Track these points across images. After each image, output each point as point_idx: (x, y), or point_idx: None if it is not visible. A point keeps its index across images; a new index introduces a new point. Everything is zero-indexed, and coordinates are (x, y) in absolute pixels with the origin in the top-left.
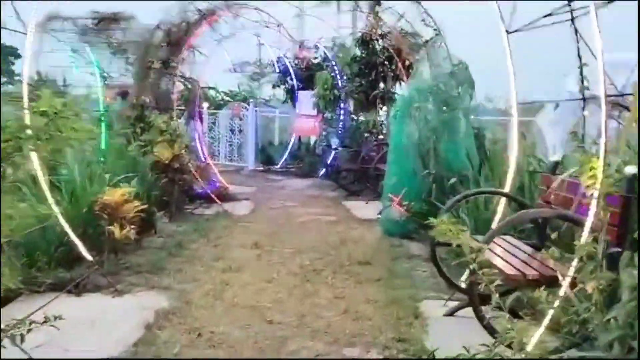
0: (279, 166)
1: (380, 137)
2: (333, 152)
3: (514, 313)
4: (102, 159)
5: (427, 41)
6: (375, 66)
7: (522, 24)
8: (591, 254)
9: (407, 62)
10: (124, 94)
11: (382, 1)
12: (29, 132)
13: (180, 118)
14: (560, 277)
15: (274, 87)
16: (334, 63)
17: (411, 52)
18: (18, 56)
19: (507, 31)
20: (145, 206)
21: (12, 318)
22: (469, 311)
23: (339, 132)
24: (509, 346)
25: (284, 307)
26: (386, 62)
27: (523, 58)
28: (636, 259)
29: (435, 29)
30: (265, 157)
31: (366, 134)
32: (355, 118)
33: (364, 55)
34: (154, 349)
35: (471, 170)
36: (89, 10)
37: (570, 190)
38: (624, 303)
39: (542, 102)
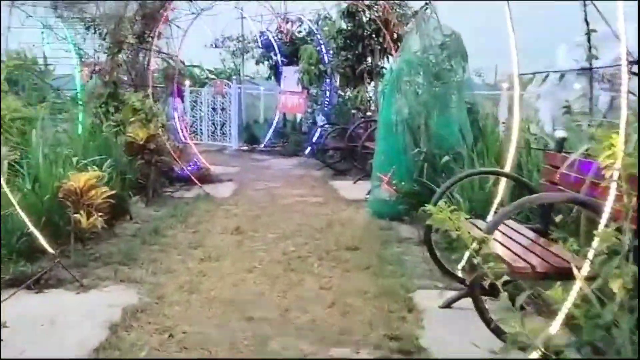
0: (263, 145)
1: (368, 113)
2: (319, 130)
3: (514, 303)
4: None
5: (416, 12)
6: (362, 39)
7: None
8: (614, 245)
9: (395, 35)
10: (99, 72)
11: None
12: None
13: (159, 97)
14: (575, 271)
15: (257, 63)
16: (319, 37)
17: (400, 23)
18: None
19: None
20: (113, 192)
21: None
22: (468, 302)
23: (325, 108)
24: (521, 348)
25: (266, 300)
26: (373, 35)
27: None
28: None
29: None
30: (250, 135)
31: (353, 111)
32: (342, 94)
33: (349, 27)
34: (117, 354)
35: (465, 148)
36: None
37: (580, 170)
38: None
39: (545, 72)
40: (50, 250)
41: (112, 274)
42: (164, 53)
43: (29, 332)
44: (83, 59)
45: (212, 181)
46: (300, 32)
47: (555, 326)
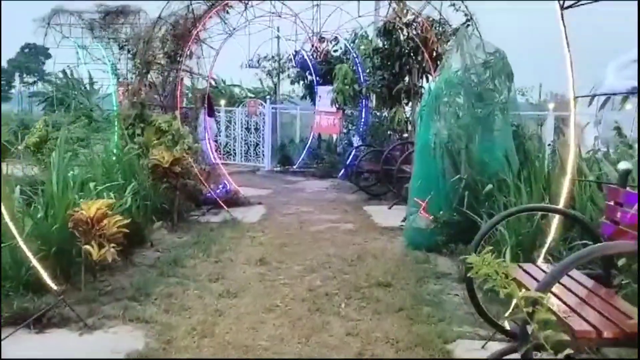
0: (296, 166)
1: (405, 135)
2: (354, 151)
3: None
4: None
5: (457, 29)
6: (399, 58)
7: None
8: None
9: (434, 53)
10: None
11: None
12: None
13: (189, 117)
14: None
15: (292, 82)
16: (354, 55)
17: (439, 41)
18: (48, 56)
19: (561, 6)
20: (128, 220)
21: None
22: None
23: (360, 129)
24: None
25: (285, 347)
26: (411, 53)
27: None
28: None
29: (466, 14)
30: (283, 156)
31: (389, 132)
32: (378, 114)
33: (386, 46)
34: None
35: (510, 175)
36: (93, 4)
37: None
38: None
39: (606, 94)
40: (53, 286)
41: (120, 312)
42: (194, 73)
43: None
44: (120, 79)
45: (241, 204)
46: (336, 50)
47: None
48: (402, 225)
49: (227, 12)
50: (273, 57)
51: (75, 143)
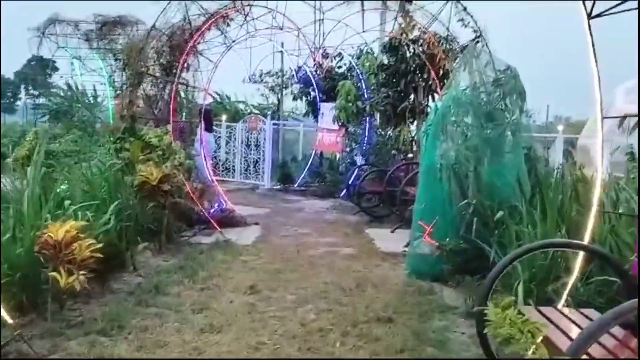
0: (297, 185)
1: (410, 155)
2: (356, 171)
3: None
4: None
5: (465, 45)
6: (404, 75)
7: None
8: None
9: (441, 71)
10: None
11: (413, 0)
12: None
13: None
14: None
15: (295, 99)
16: (358, 72)
17: (446, 58)
18: (55, 68)
19: (588, 15)
20: (101, 245)
21: None
22: None
23: (363, 148)
24: None
25: None
26: (417, 71)
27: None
28: None
29: (475, 30)
30: (284, 174)
31: (393, 152)
32: (382, 133)
33: (391, 62)
34: None
35: (522, 201)
36: (91, 14)
37: None
38: None
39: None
40: (8, 319)
41: (86, 349)
42: (191, 86)
43: None
44: (117, 92)
45: (236, 224)
46: (339, 67)
47: None
48: (404, 251)
49: (228, 25)
50: (276, 72)
51: (68, 157)
